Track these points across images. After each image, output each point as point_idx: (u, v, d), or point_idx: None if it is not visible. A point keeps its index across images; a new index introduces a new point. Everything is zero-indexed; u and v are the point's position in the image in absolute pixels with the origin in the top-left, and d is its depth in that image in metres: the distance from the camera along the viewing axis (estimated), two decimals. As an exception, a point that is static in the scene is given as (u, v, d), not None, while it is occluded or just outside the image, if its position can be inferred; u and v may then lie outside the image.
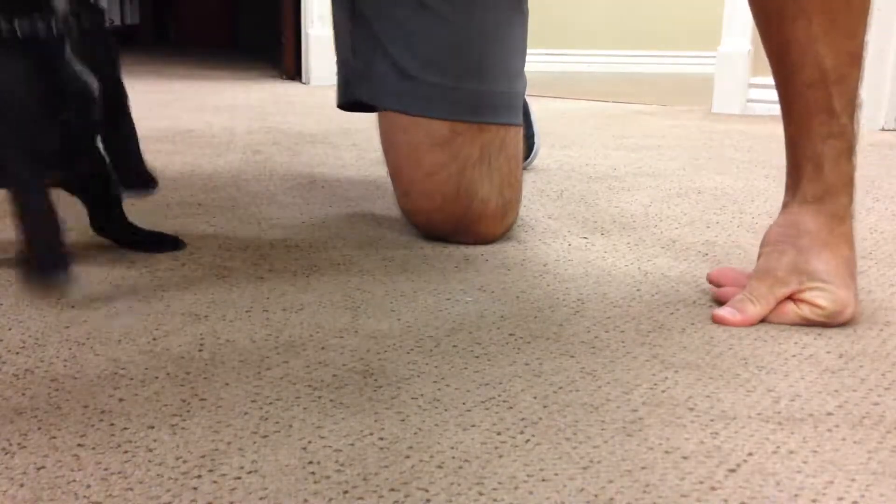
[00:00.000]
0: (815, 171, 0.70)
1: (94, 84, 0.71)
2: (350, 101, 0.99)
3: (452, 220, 0.91)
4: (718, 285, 0.75)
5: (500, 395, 0.55)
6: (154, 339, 0.63)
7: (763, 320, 0.70)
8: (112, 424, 0.50)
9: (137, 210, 1.03)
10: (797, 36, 0.68)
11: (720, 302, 0.72)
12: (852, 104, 0.69)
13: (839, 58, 0.68)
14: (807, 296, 0.69)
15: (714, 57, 2.29)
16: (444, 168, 0.89)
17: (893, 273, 0.83)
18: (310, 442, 0.49)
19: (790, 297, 0.69)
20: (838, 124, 0.69)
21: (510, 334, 0.66)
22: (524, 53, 0.95)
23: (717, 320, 0.70)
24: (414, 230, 0.96)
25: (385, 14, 0.91)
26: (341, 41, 0.98)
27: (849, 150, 0.69)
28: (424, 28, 0.89)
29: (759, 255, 0.72)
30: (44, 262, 0.68)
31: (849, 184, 0.70)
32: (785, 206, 0.73)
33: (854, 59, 0.69)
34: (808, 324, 0.68)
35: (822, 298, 0.68)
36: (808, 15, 0.67)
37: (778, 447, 0.49)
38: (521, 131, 0.95)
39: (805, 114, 0.70)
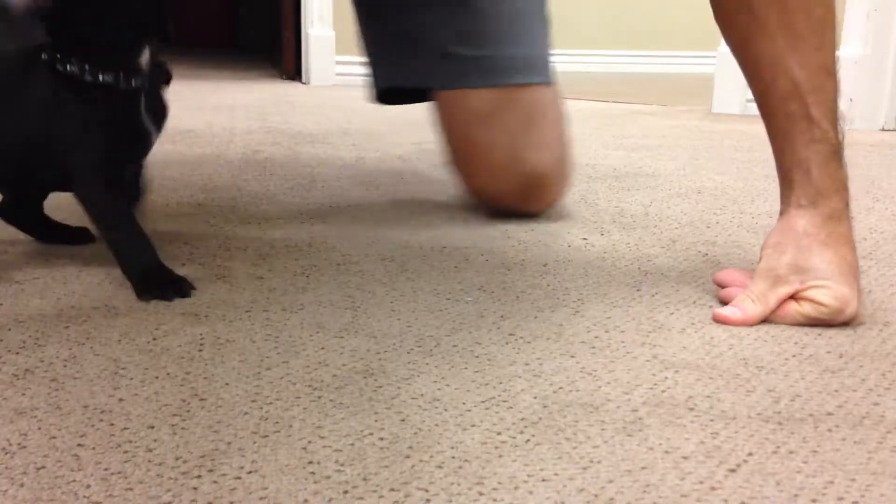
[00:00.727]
0: (804, 176, 0.71)
1: (154, 135, 0.80)
2: (388, 86, 1.06)
3: (516, 190, 0.99)
4: (723, 286, 0.75)
5: (500, 395, 0.55)
6: (154, 339, 0.63)
7: (766, 320, 0.70)
8: (112, 424, 0.50)
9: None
10: (765, 53, 0.71)
11: (724, 303, 0.72)
12: (832, 112, 0.70)
13: (809, 69, 0.70)
14: (809, 293, 0.69)
15: (714, 57, 2.29)
16: (496, 142, 0.97)
17: (893, 273, 0.83)
18: (310, 442, 0.49)
19: (792, 297, 0.69)
20: (820, 130, 0.70)
21: (510, 334, 0.66)
22: (546, 22, 1.04)
23: (717, 320, 0.70)
24: (413, 230, 0.96)
25: (421, 4, 1.00)
26: (376, 36, 1.05)
27: (835, 155, 0.71)
28: (453, 9, 0.98)
29: (760, 258, 0.72)
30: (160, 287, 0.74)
31: (841, 188, 0.71)
32: (782, 213, 0.73)
33: (825, 71, 0.71)
34: (811, 322, 0.68)
35: (824, 295, 0.68)
36: (770, 34, 0.71)
37: (778, 447, 0.49)
38: (557, 94, 1.02)
39: (786, 123, 0.72)
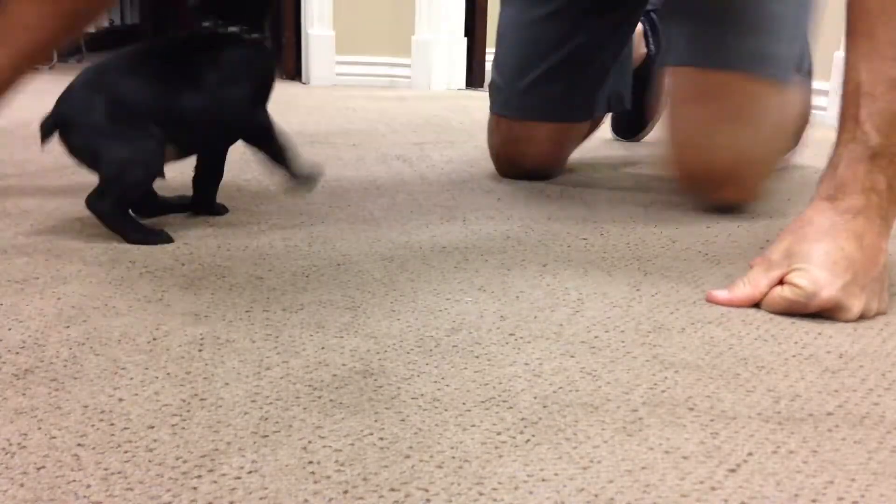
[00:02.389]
0: (831, 171, 0.73)
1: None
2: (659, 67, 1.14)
3: (715, 176, 1.02)
4: None
5: (500, 395, 0.55)
6: (154, 339, 0.63)
7: (757, 306, 0.72)
8: (112, 424, 0.50)
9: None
10: (848, 57, 0.74)
11: None
12: (883, 119, 0.71)
13: (876, 75, 0.71)
14: (789, 276, 0.71)
15: (714, 57, 2.29)
16: (713, 125, 1.00)
17: (893, 273, 0.83)
18: (310, 442, 0.49)
19: (781, 282, 0.72)
20: (861, 131, 0.72)
21: (510, 334, 0.66)
22: (803, 25, 1.06)
23: (707, 299, 0.74)
24: (413, 230, 0.96)
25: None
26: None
27: (871, 159, 0.71)
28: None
29: None
30: None
31: (869, 189, 0.71)
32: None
33: (893, 83, 0.71)
34: (790, 306, 0.70)
35: (799, 277, 0.70)
36: (856, 36, 0.73)
37: (778, 447, 0.49)
38: (789, 100, 1.05)
39: (839, 123, 0.74)
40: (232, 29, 0.92)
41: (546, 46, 1.24)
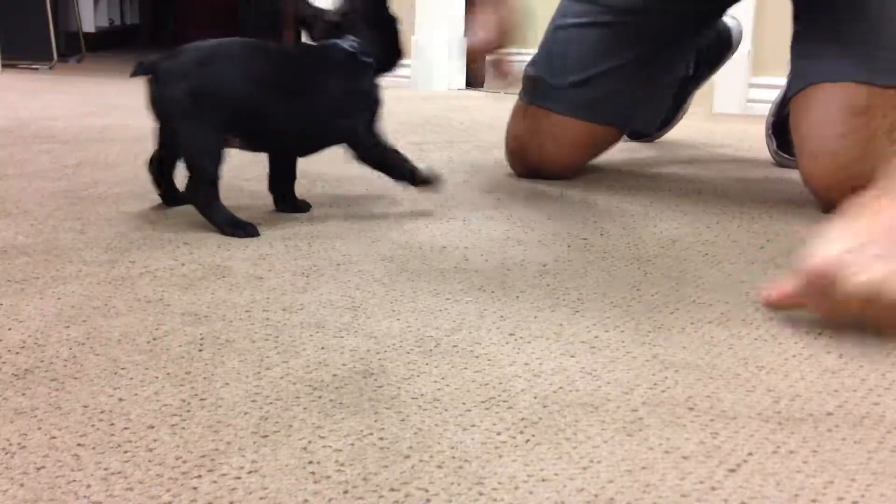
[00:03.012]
0: None
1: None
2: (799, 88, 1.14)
3: (850, 182, 0.99)
4: None
5: (500, 395, 0.55)
6: (154, 339, 0.63)
7: (768, 305, 0.71)
8: (112, 424, 0.50)
9: (139, 209, 1.03)
10: None
11: None
12: None
13: None
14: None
15: (714, 57, 2.29)
16: (857, 132, 1.02)
17: None
18: (310, 442, 0.49)
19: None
20: None
21: (510, 334, 0.66)
22: None
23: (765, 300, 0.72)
24: (413, 230, 0.96)
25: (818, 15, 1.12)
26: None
27: None
28: (848, 14, 1.08)
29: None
30: None
31: None
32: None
33: None
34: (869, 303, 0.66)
35: None
36: None
37: (778, 447, 0.49)
38: None
39: None
40: (351, 48, 0.98)
41: (598, 52, 1.25)
